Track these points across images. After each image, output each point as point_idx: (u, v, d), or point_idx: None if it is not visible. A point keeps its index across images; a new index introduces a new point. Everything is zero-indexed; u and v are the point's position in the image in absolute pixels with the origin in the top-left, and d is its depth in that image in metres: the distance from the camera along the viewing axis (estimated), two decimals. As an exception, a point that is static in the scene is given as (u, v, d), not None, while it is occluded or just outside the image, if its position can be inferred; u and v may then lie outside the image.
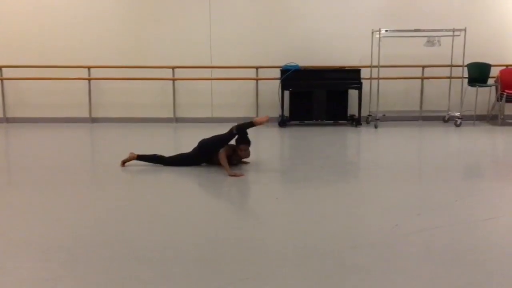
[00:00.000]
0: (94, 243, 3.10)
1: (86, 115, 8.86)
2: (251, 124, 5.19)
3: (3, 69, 8.76)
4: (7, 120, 8.84)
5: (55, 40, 8.71)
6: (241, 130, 5.20)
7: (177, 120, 8.91)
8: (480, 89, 8.54)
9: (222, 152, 5.07)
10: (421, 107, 9.01)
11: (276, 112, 8.72)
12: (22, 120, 8.80)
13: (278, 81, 8.45)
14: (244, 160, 5.39)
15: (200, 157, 5.31)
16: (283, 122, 8.38)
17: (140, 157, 5.30)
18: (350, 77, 8.42)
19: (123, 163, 5.26)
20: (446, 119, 8.78)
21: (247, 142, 5.16)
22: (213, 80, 8.84)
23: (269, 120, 5.43)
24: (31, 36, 8.71)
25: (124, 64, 8.68)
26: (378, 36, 8.18)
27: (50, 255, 2.91)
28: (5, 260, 2.87)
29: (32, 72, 8.65)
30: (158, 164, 5.29)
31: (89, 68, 8.74)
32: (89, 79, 8.76)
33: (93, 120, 8.86)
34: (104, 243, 3.10)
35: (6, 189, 4.58)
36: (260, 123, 5.23)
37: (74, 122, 8.78)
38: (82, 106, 8.86)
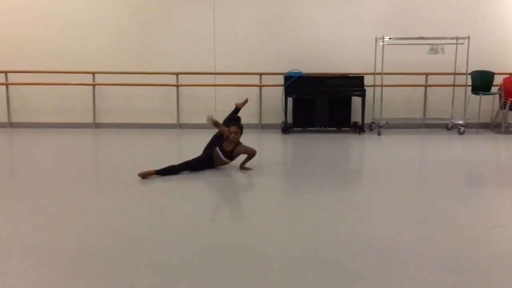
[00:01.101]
0: (99, 248, 3.11)
1: (90, 120, 8.88)
2: (236, 109, 5.73)
3: (8, 74, 8.80)
4: (12, 125, 8.87)
5: (59, 45, 8.76)
6: (228, 120, 5.50)
7: (180, 126, 8.93)
8: (483, 97, 8.54)
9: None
10: (424, 114, 9.01)
11: (279, 119, 8.73)
12: (27, 125, 8.82)
13: (281, 88, 8.46)
14: (247, 166, 5.40)
15: (204, 161, 5.33)
16: (286, 129, 8.38)
17: (159, 172, 5.07)
18: (353, 84, 8.43)
19: (144, 175, 4.99)
20: (449, 127, 8.77)
21: (237, 124, 5.30)
22: (216, 87, 8.86)
23: (248, 101, 5.94)
24: (36, 42, 8.76)
25: (128, 70, 8.71)
26: (381, 43, 8.20)
27: (55, 259, 2.92)
28: (11, 264, 2.88)
29: (37, 77, 8.68)
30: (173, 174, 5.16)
31: (93, 73, 8.77)
32: (93, 85, 8.79)
33: (97, 125, 8.89)
34: (109, 248, 3.10)
35: (10, 193, 4.59)
36: (243, 105, 5.78)
37: (78, 127, 8.81)
38: (86, 112, 8.89)
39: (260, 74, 8.82)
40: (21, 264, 2.87)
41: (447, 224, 3.61)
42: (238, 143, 5.34)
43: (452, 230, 3.47)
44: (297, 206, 4.19)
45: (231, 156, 5.34)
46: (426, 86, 8.91)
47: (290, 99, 8.46)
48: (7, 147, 7.37)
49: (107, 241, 3.26)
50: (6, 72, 8.76)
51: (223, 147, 5.28)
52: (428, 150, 7.14)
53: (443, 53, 8.16)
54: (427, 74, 8.84)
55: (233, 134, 5.20)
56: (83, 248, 3.11)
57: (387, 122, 8.39)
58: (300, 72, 8.44)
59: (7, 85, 8.80)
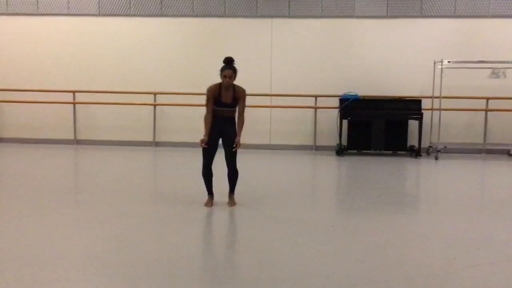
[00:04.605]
0: (156, 261, 3.25)
1: (150, 139, 9.23)
2: None
3: (76, 94, 9.32)
4: (77, 142, 9.35)
5: (123, 68, 9.20)
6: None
7: (236, 146, 9.09)
8: (548, 122, 8.22)
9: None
10: (484, 140, 8.76)
11: (334, 141, 8.74)
12: (91, 142, 9.28)
13: (336, 110, 8.49)
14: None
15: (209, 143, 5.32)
16: (340, 151, 8.38)
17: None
18: (410, 107, 8.34)
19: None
20: (511, 153, 8.48)
21: (232, 68, 4.90)
22: (272, 108, 9.00)
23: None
24: (101, 64, 9.24)
25: (187, 91, 9.01)
26: (440, 67, 8.09)
27: (113, 271, 3.07)
28: (72, 274, 3.06)
29: (101, 97, 9.15)
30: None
31: (154, 94, 9.14)
32: (155, 105, 9.14)
33: (157, 144, 9.21)
34: (165, 261, 3.24)
35: (74, 207, 4.85)
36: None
37: (139, 145, 9.16)
38: (147, 130, 9.24)
39: (316, 96, 8.89)
40: (81, 274, 3.05)
41: (502, 251, 3.52)
42: (233, 87, 5.03)
43: (508, 258, 3.38)
44: (350, 227, 4.20)
45: (233, 105, 5.15)
46: (486, 110, 8.68)
47: (345, 121, 8.46)
48: (71, 163, 7.77)
49: (164, 254, 3.40)
50: (74, 92, 9.28)
51: (222, 102, 5.09)
52: (487, 177, 6.93)
53: (505, 77, 7.95)
54: (487, 99, 8.62)
55: (227, 79, 4.88)
56: (141, 260, 3.26)
57: (445, 147, 8.22)
58: (356, 95, 8.45)
59: (74, 104, 9.31)
